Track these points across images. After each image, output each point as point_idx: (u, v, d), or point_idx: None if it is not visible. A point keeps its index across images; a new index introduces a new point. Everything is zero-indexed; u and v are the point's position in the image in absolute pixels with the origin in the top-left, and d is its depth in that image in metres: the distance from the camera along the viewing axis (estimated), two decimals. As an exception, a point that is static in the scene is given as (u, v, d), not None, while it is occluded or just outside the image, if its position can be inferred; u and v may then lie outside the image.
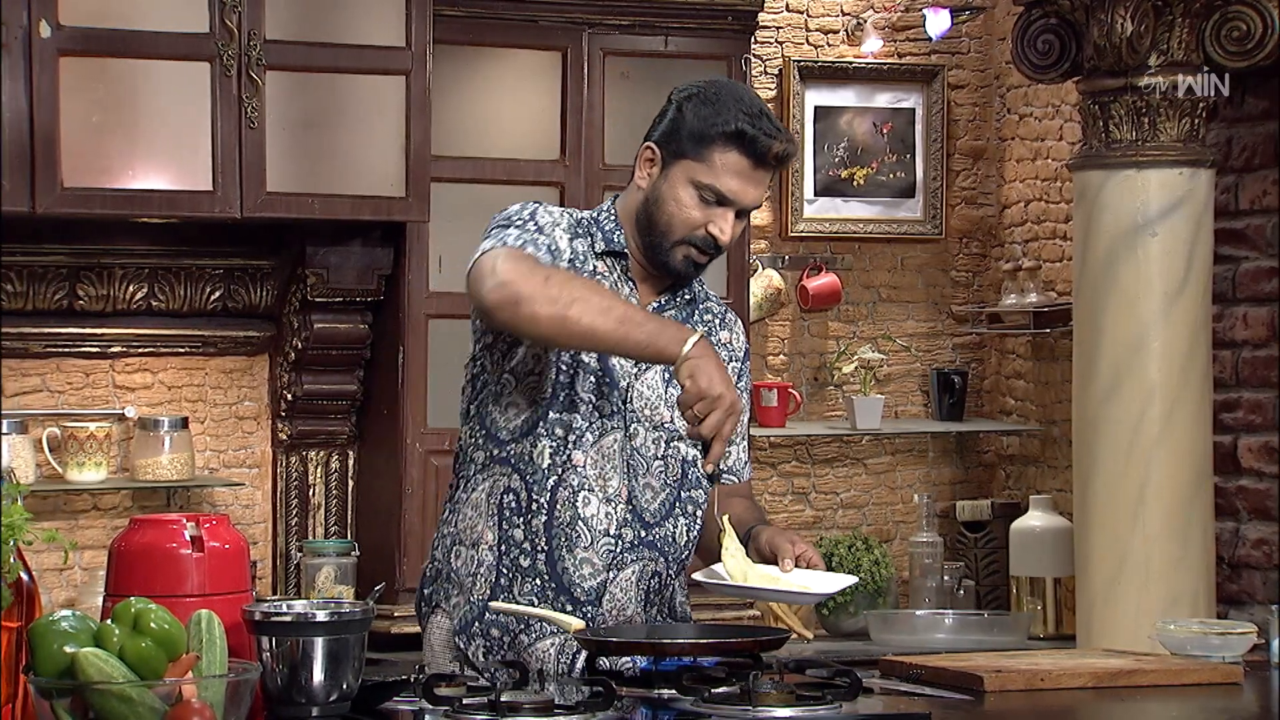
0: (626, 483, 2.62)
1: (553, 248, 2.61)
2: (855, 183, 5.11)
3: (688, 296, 2.73)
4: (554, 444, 2.61)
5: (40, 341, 4.34)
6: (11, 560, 1.85)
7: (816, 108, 5.05)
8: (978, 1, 5.11)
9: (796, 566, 2.55)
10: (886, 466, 5.17)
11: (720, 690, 2.28)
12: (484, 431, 2.66)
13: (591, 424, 2.61)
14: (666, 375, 2.65)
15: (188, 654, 1.94)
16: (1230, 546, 4.42)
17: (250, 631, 2.16)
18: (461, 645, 2.63)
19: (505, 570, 2.62)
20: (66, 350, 4.38)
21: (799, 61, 5.02)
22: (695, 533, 2.69)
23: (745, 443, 2.79)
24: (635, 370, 2.65)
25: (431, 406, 4.41)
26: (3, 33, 3.90)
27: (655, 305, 2.68)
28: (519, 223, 2.63)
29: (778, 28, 5.05)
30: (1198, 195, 4.23)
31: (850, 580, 2.61)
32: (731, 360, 2.75)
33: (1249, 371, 4.40)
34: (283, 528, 4.51)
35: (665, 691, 2.33)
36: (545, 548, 2.61)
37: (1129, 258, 4.22)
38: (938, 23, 4.97)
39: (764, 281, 4.93)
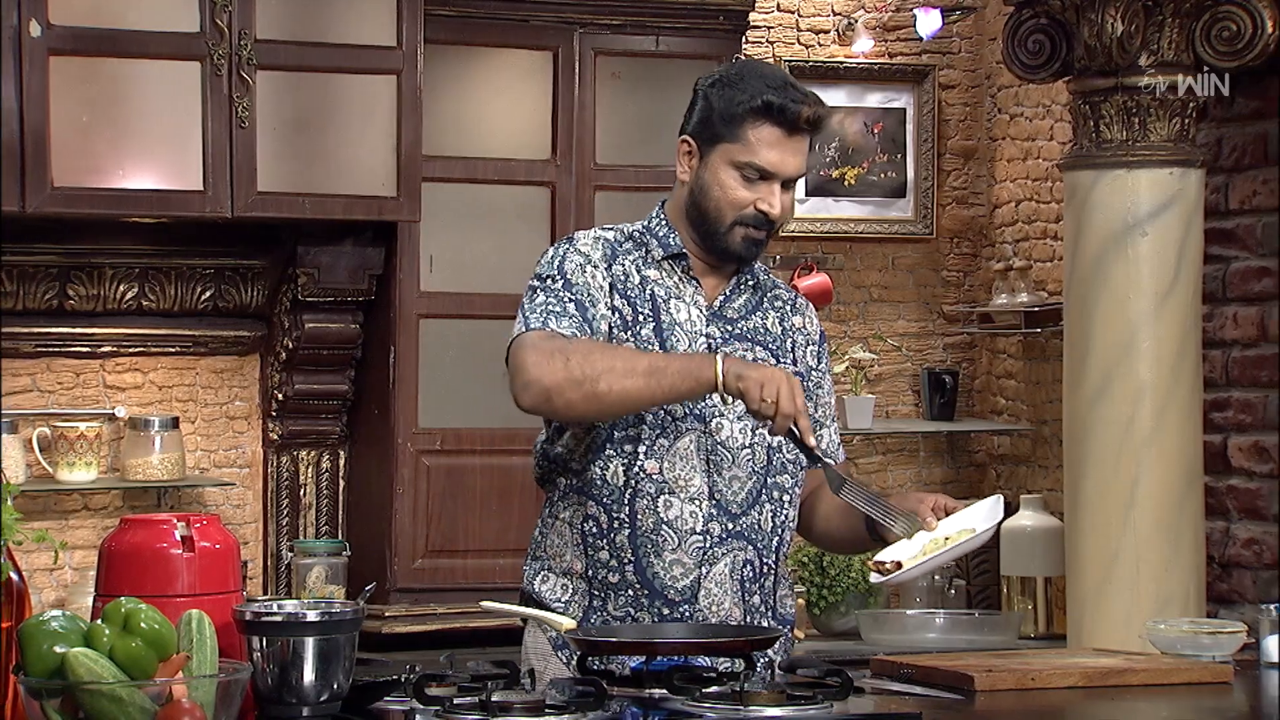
0: (708, 479, 2.63)
1: (582, 300, 2.61)
2: (846, 182, 5.11)
3: (753, 282, 2.74)
4: (625, 460, 2.62)
5: (30, 341, 4.34)
6: (1, 560, 1.84)
7: (807, 107, 5.05)
8: (968, 1, 5.11)
9: (935, 517, 2.57)
10: (878, 466, 5.17)
11: (711, 690, 2.28)
12: (561, 461, 2.67)
13: (664, 430, 2.62)
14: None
15: (178, 654, 1.94)
16: (1221, 546, 4.42)
17: (241, 631, 2.16)
18: (565, 659, 2.64)
19: (597, 592, 2.64)
20: (57, 350, 4.38)
21: (790, 61, 5.02)
22: (783, 517, 2.69)
23: (835, 425, 2.80)
24: None
25: (423, 406, 4.41)
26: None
27: (723, 296, 2.70)
28: (547, 282, 2.63)
29: (769, 27, 5.06)
30: (1188, 195, 4.24)
31: (997, 500, 2.61)
32: (809, 344, 2.77)
33: (1239, 371, 4.40)
34: (274, 527, 4.50)
35: (656, 691, 2.33)
36: (632, 559, 2.62)
37: (1119, 257, 4.22)
38: (928, 23, 4.98)
39: (755, 281, 4.94)
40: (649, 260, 2.69)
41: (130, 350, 4.43)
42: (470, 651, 3.83)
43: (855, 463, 5.14)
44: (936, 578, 4.89)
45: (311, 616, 2.16)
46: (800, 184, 5.12)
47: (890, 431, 5.08)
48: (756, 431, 2.65)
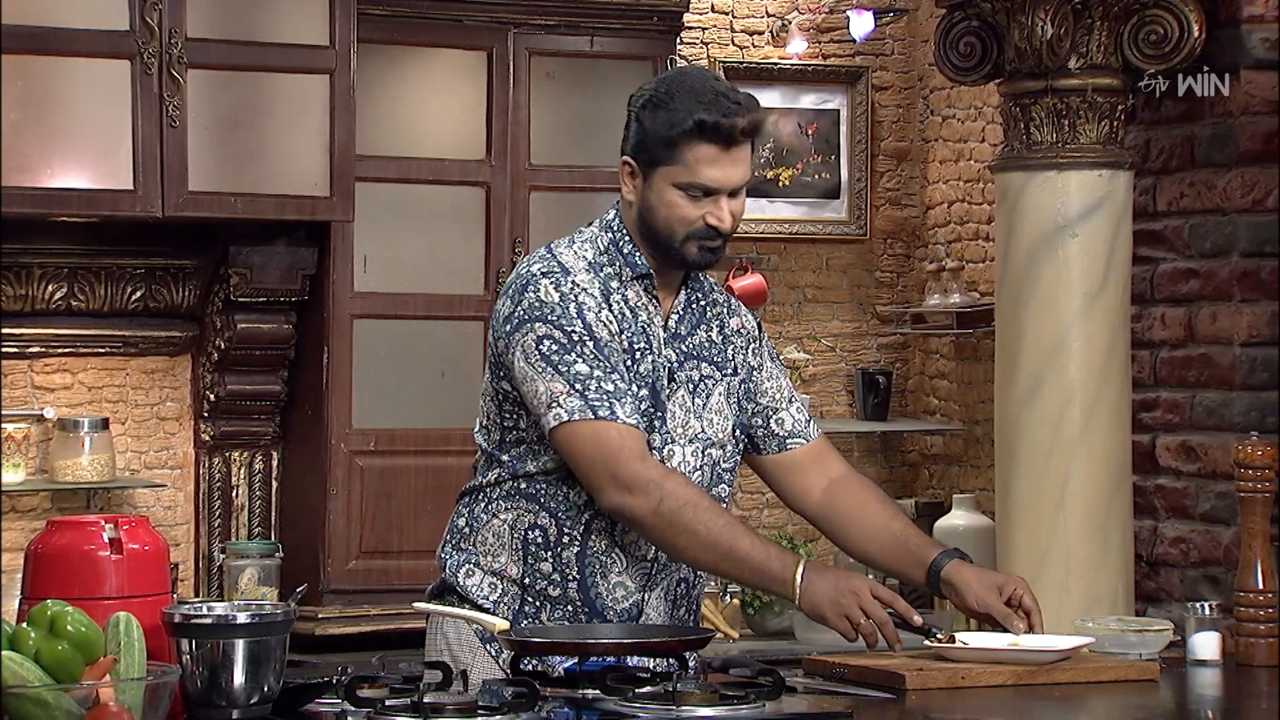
0: None
1: (616, 361, 2.56)
2: (781, 183, 5.13)
3: (698, 296, 2.71)
4: None
5: (-43, 342, 4.29)
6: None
7: (742, 109, 5.06)
8: (900, 4, 5.14)
9: (1011, 608, 2.68)
10: (811, 466, 5.18)
11: (644, 690, 2.29)
12: (510, 466, 2.63)
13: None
14: (690, 387, 2.65)
15: (105, 657, 1.92)
16: (1148, 545, 4.47)
17: (170, 634, 2.14)
18: (493, 653, 2.62)
19: (532, 599, 2.62)
20: (-16, 350, 4.33)
21: (725, 62, 5.04)
22: None
23: (797, 404, 2.78)
24: (667, 390, 2.63)
25: (356, 407, 4.39)
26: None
27: (676, 315, 2.67)
28: (573, 337, 2.54)
29: (703, 28, 5.07)
30: (1117, 197, 4.28)
31: (1084, 641, 2.68)
32: (749, 343, 2.75)
33: (1167, 371, 4.45)
34: (205, 529, 4.48)
35: (590, 691, 2.33)
36: (577, 576, 2.60)
37: (1050, 258, 4.26)
38: (861, 24, 5.00)
39: (690, 282, 4.95)
40: (622, 280, 2.65)
41: (59, 351, 4.39)
42: (404, 653, 3.81)
43: (789, 463, 5.17)
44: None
45: (242, 618, 2.15)
46: (735, 185, 5.15)
47: (825, 432, 5.09)
48: (705, 452, 2.66)
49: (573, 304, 2.57)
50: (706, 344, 2.70)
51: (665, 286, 2.68)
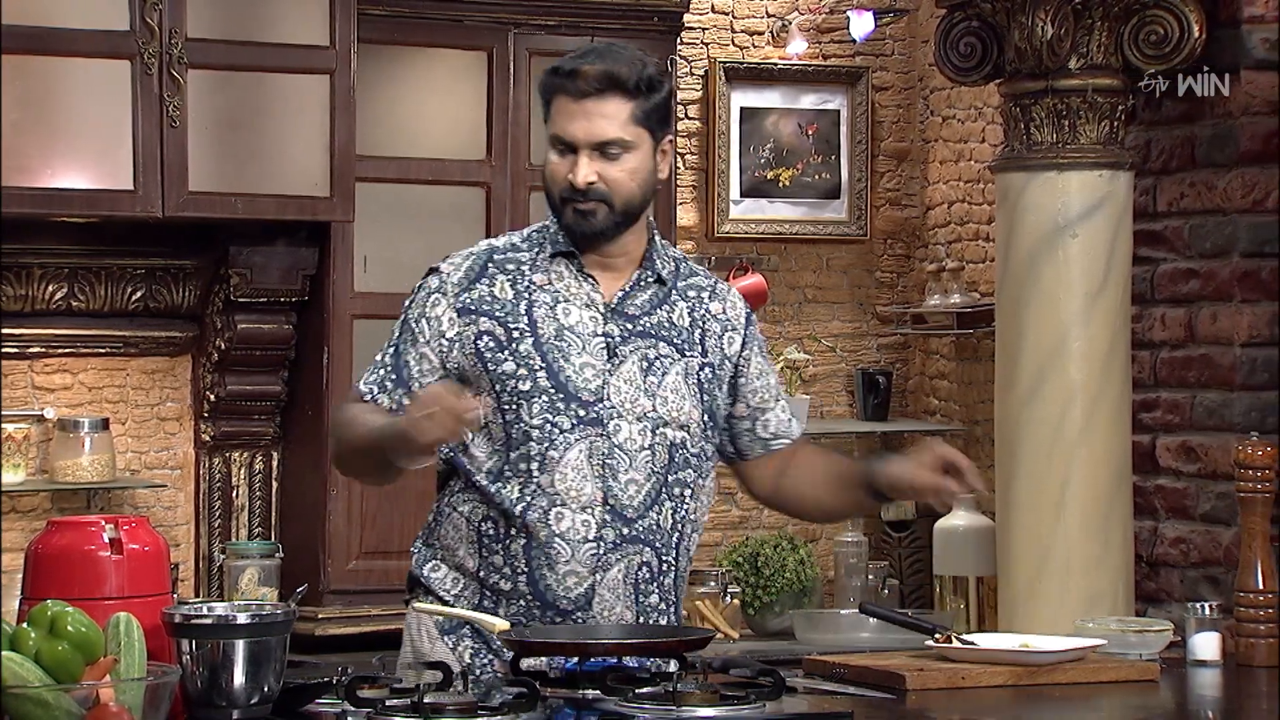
0: (601, 486, 2.61)
1: (411, 357, 2.66)
2: (781, 184, 5.13)
3: (652, 278, 2.69)
4: (520, 479, 2.60)
5: (-43, 342, 4.29)
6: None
7: (742, 109, 5.07)
8: (900, 4, 5.14)
9: (931, 469, 2.58)
10: (812, 466, 5.18)
11: (645, 690, 2.29)
12: (458, 462, 2.66)
13: (553, 442, 2.60)
14: (644, 365, 2.64)
15: (105, 657, 1.92)
16: (1149, 545, 4.47)
17: (170, 634, 2.14)
18: (450, 645, 2.63)
19: (489, 594, 2.63)
20: (-15, 350, 4.33)
21: (725, 62, 5.04)
22: (684, 513, 2.66)
23: (782, 403, 2.78)
24: (609, 366, 2.63)
25: (356, 407, 4.38)
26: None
27: (622, 293, 2.66)
28: (393, 336, 2.71)
29: (703, 29, 5.07)
30: (1117, 197, 4.28)
31: (1093, 642, 2.68)
32: (728, 330, 2.72)
33: (1167, 371, 4.45)
34: (206, 529, 4.47)
35: (590, 691, 2.33)
36: (525, 569, 2.61)
37: (1050, 259, 4.26)
38: (861, 25, 5.00)
39: (690, 282, 4.95)
40: (538, 263, 2.67)
41: (60, 351, 4.39)
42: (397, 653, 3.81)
43: (789, 463, 5.17)
44: (870, 576, 4.91)
45: (242, 619, 2.15)
46: (735, 185, 5.16)
47: (825, 432, 5.10)
48: (657, 431, 2.63)
49: (415, 296, 2.71)
50: (667, 325, 2.67)
51: (609, 267, 2.67)
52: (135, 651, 1.95)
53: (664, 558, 2.66)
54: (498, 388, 2.62)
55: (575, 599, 2.60)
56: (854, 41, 5.08)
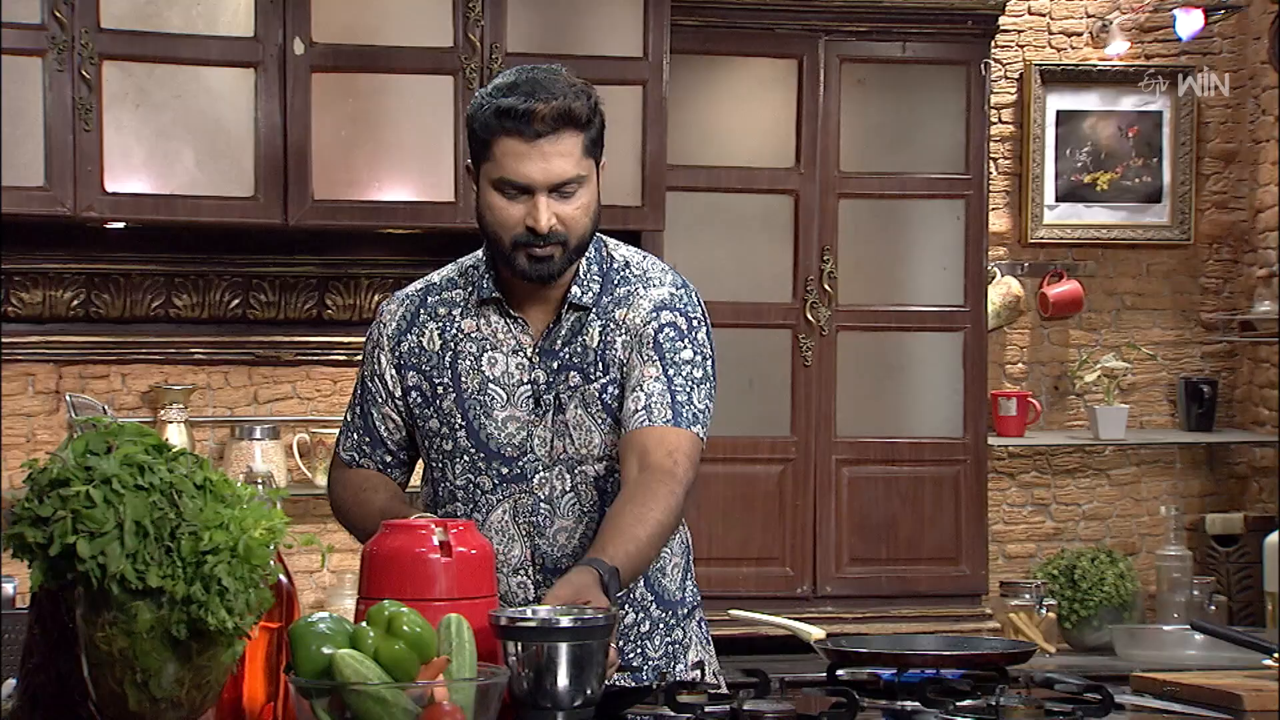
0: (529, 545, 2.53)
1: (376, 419, 2.59)
2: (1099, 187, 5.00)
3: (580, 302, 2.52)
4: None
5: (291, 350, 4.48)
6: (271, 563, 1.90)
7: (1058, 111, 4.95)
8: (1232, 0, 4.95)
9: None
10: (1131, 478, 5.04)
11: (965, 703, 2.24)
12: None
13: (476, 505, 2.53)
14: (558, 405, 2.51)
15: (439, 657, 1.97)
16: None
17: (496, 636, 2.18)
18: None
19: None
20: (315, 359, 4.51)
21: (1040, 65, 4.93)
22: None
23: (658, 392, 2.48)
24: (533, 417, 2.51)
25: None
26: (260, 50, 4.03)
27: (548, 328, 2.52)
28: (356, 393, 2.63)
29: (1019, 31, 4.97)
30: None
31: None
32: (626, 333, 2.51)
33: None
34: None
35: (909, 703, 2.30)
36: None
37: (1392, 262, 4.05)
38: (1189, 23, 4.83)
39: (1002, 289, 4.86)
40: (469, 306, 2.55)
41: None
42: (719, 660, 3.83)
43: (1108, 474, 5.03)
44: (1195, 592, 4.74)
45: (565, 622, 2.18)
46: (1050, 190, 5.04)
47: (1145, 442, 4.95)
48: (575, 471, 2.51)
49: (368, 341, 2.62)
50: (580, 352, 2.52)
51: (539, 302, 2.51)
52: (466, 652, 2.00)
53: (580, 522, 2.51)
54: (425, 445, 2.57)
55: (512, 560, 2.52)
56: (1178, 40, 4.91)
